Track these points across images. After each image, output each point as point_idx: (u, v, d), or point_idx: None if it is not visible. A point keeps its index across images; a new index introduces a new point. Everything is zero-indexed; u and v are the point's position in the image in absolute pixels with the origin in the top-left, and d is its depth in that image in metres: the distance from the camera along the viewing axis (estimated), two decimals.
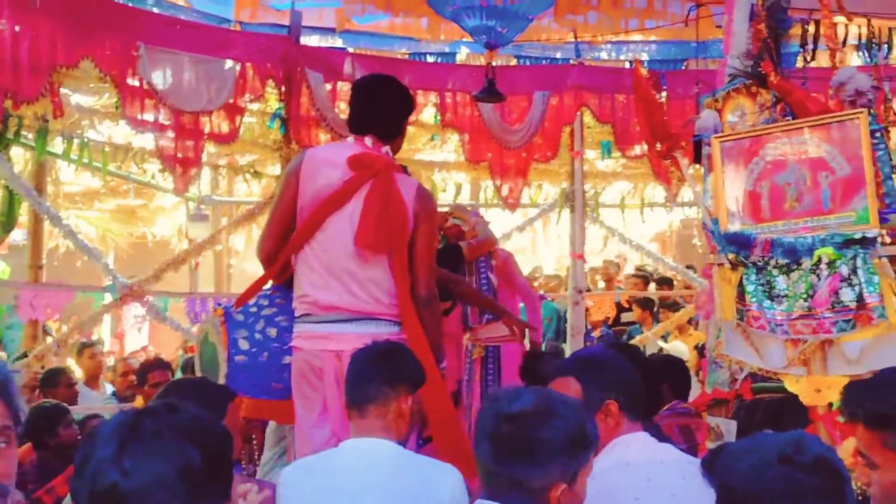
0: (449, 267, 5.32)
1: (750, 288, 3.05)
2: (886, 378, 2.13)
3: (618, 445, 2.54)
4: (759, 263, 3.04)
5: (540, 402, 1.99)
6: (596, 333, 9.16)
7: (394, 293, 3.38)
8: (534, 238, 11.55)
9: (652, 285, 9.92)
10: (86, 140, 7.05)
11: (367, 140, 3.48)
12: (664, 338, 8.90)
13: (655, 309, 9.35)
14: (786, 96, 3.13)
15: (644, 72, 3.61)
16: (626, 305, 9.71)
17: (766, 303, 3.02)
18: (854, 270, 2.93)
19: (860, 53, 6.68)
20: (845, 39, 5.08)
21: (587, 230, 8.79)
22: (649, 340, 8.78)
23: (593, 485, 2.48)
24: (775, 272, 3.01)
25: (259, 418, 4.17)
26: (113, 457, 1.48)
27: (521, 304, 7.92)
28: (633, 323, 9.42)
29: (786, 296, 3.00)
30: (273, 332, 3.52)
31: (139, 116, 6.38)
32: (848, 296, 2.93)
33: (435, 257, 3.64)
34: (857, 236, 2.93)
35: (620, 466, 2.51)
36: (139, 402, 5.86)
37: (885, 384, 2.09)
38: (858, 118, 2.97)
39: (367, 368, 2.75)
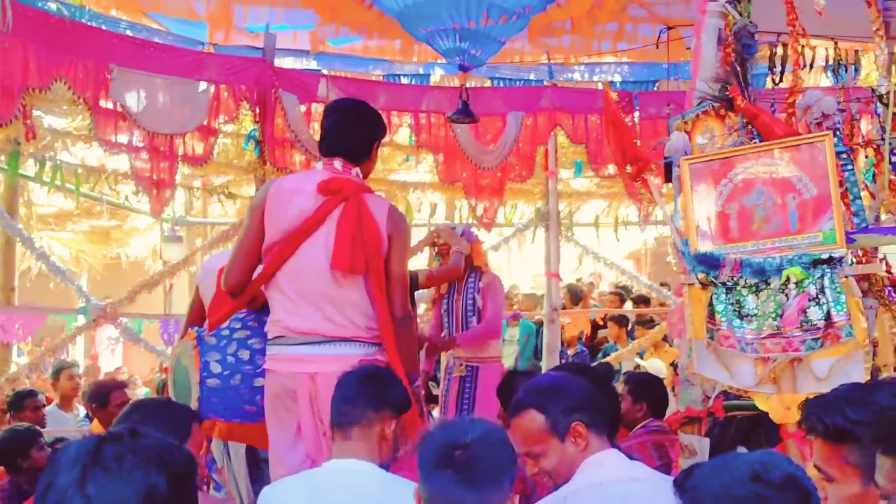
0: None
1: (720, 307, 3.09)
2: (844, 392, 2.16)
3: (589, 465, 2.57)
4: (728, 283, 3.08)
5: (487, 428, 2.14)
6: (571, 351, 9.21)
7: (370, 315, 3.38)
8: (509, 257, 11.61)
9: (628, 303, 9.99)
10: (58, 163, 7.04)
11: (337, 163, 3.49)
12: (640, 355, 8.96)
13: (630, 326, 9.42)
14: (753, 120, 3.19)
15: (613, 95, 3.67)
16: (601, 323, 9.77)
17: (736, 322, 3.07)
18: (822, 290, 2.98)
19: (828, 75, 6.78)
20: (812, 62, 5.18)
21: (562, 249, 8.86)
22: (624, 357, 8.83)
23: None
24: (745, 292, 3.06)
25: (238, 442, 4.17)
26: (76, 483, 1.48)
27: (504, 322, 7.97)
28: (608, 340, 9.48)
29: (755, 315, 3.04)
30: (245, 354, 3.52)
31: (112, 138, 6.38)
32: (816, 315, 2.98)
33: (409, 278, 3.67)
34: (825, 256, 2.98)
35: (594, 486, 2.53)
36: (96, 425, 5.79)
37: (844, 399, 2.12)
38: (824, 140, 3.03)
39: (353, 390, 2.76)
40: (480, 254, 6.09)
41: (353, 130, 3.54)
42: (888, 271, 5.02)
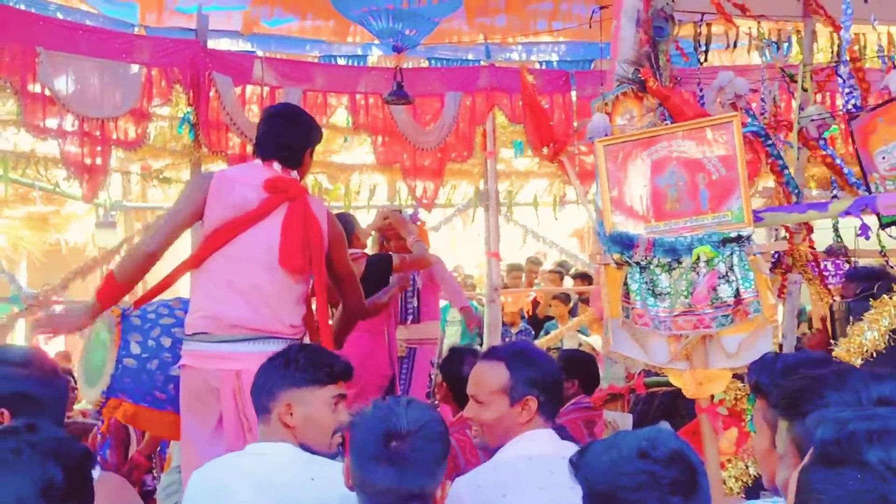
0: (377, 275, 5.40)
1: (634, 286, 3.14)
2: (794, 360, 2.26)
3: (523, 439, 2.69)
4: (642, 263, 3.14)
5: (425, 420, 2.14)
6: (514, 329, 9.30)
7: (296, 313, 3.49)
8: (453, 237, 11.67)
9: (569, 280, 10.09)
10: None
11: (276, 165, 3.58)
12: (583, 332, 9.08)
13: (572, 304, 9.53)
14: (664, 101, 3.24)
15: (530, 78, 3.71)
16: (541, 301, 9.88)
17: (650, 300, 3.12)
18: (731, 267, 3.04)
19: (760, 53, 6.87)
20: (736, 41, 5.27)
21: (506, 228, 8.91)
22: (565, 335, 8.94)
23: (498, 473, 2.62)
24: (658, 271, 3.11)
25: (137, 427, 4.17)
26: None
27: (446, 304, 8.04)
28: (550, 318, 9.58)
29: (668, 293, 3.10)
30: (167, 341, 3.52)
31: (41, 124, 6.28)
32: (726, 292, 3.04)
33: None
34: (733, 235, 3.05)
35: (525, 458, 2.64)
36: None
37: (789, 365, 2.21)
38: (732, 121, 3.08)
39: (256, 380, 2.76)
40: (424, 236, 6.17)
41: (288, 137, 3.64)
42: (811, 247, 5.16)
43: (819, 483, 1.38)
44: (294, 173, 3.62)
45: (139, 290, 5.09)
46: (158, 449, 4.61)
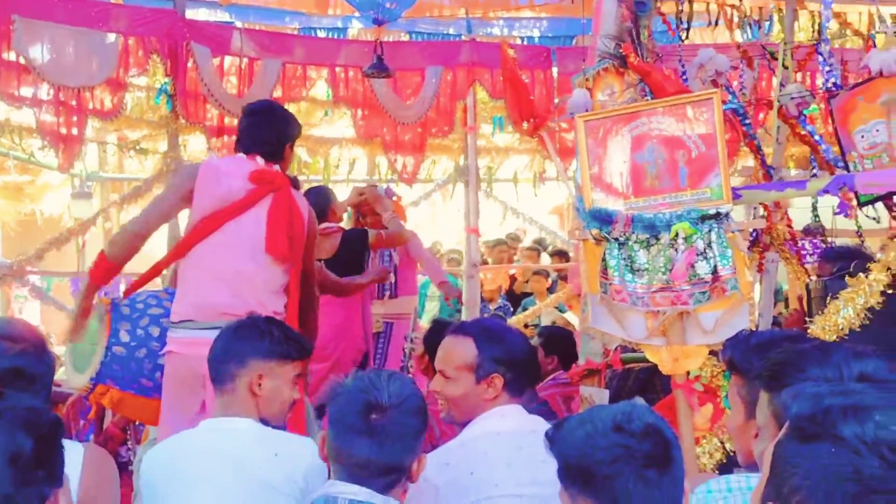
0: (355, 250, 5.40)
1: (612, 262, 3.14)
2: (768, 337, 2.27)
3: (492, 415, 2.66)
4: (620, 239, 3.14)
5: (405, 394, 2.13)
6: (493, 306, 9.31)
7: (281, 301, 3.57)
8: (433, 213, 11.64)
9: (546, 257, 10.10)
10: None
11: (259, 159, 3.68)
12: (561, 309, 9.10)
13: (551, 281, 9.55)
14: (644, 77, 3.23)
15: (511, 53, 3.68)
16: (518, 277, 9.90)
17: (628, 276, 3.12)
18: (709, 244, 3.05)
19: (743, 31, 6.87)
20: (717, 18, 5.26)
21: (486, 204, 8.91)
22: (543, 311, 8.96)
23: (466, 451, 2.60)
24: (636, 247, 3.12)
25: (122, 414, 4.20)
26: None
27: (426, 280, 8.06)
28: (527, 294, 9.60)
29: (646, 269, 3.10)
30: (155, 330, 3.57)
31: (16, 92, 6.20)
32: (703, 269, 3.05)
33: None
34: (712, 212, 3.05)
35: (493, 435, 2.61)
36: None
37: (763, 341, 2.22)
38: (712, 98, 3.08)
39: (219, 346, 2.72)
40: (400, 211, 6.17)
41: (267, 134, 3.74)
42: (789, 226, 5.18)
43: (794, 457, 1.38)
44: (276, 167, 3.72)
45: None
46: (136, 422, 4.60)
